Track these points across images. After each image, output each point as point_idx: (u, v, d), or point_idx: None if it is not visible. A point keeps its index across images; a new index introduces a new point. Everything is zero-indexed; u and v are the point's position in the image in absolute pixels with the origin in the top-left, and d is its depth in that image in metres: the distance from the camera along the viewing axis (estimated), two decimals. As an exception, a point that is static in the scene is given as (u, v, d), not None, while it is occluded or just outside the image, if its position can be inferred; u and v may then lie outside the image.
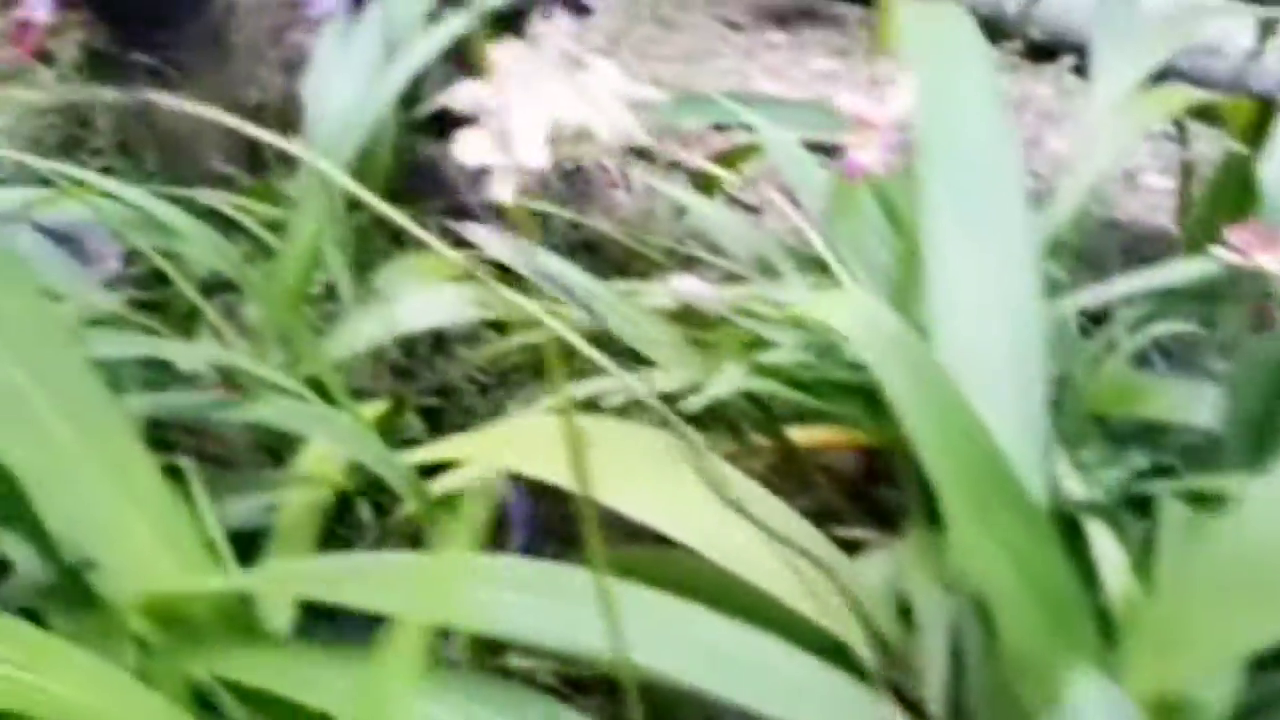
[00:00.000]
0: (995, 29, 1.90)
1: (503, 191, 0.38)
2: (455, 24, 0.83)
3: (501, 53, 0.40)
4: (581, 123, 0.39)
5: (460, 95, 0.39)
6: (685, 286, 0.72)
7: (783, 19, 1.94)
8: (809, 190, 0.74)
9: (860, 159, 0.46)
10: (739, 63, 1.78)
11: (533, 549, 0.67)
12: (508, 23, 1.12)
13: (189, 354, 0.61)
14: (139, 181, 1.30)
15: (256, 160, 1.39)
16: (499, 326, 0.74)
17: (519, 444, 0.55)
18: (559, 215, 0.87)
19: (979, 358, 0.45)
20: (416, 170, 0.98)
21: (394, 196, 1.05)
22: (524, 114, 0.38)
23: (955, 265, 0.46)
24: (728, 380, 0.57)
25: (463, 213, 0.93)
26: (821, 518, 0.60)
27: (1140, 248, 1.11)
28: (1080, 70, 1.83)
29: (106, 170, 1.29)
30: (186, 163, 1.32)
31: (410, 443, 0.72)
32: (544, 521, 0.71)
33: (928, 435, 0.41)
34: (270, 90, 1.55)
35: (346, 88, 0.80)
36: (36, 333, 0.45)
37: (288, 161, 1.37)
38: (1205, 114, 1.08)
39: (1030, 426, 0.44)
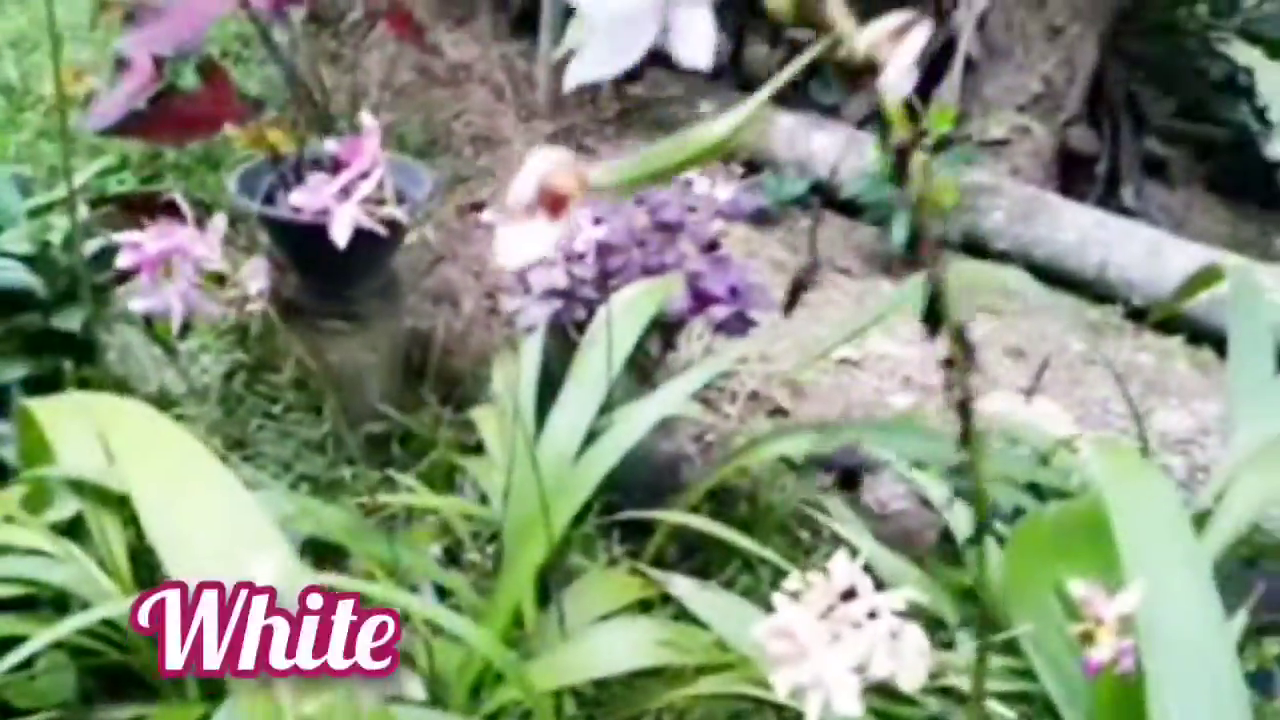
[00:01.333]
0: (1097, 293, 1.99)
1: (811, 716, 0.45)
2: (667, 398, 0.93)
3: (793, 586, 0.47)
4: (886, 675, 0.46)
5: (771, 628, 0.47)
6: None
7: (889, 267, 2.05)
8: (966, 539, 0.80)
9: (1097, 659, 0.52)
10: (853, 312, 1.89)
11: None
12: (666, 330, 1.23)
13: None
14: (312, 420, 1.42)
15: (414, 396, 1.51)
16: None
17: None
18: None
19: None
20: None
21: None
22: (833, 662, 0.45)
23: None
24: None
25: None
26: None
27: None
28: (1191, 339, 1.90)
29: (288, 409, 1.42)
30: (353, 398, 1.44)
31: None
32: None
33: None
34: (422, 319, 1.69)
35: (566, 432, 0.88)
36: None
37: (445, 399, 1.48)
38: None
39: None
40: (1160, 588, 0.56)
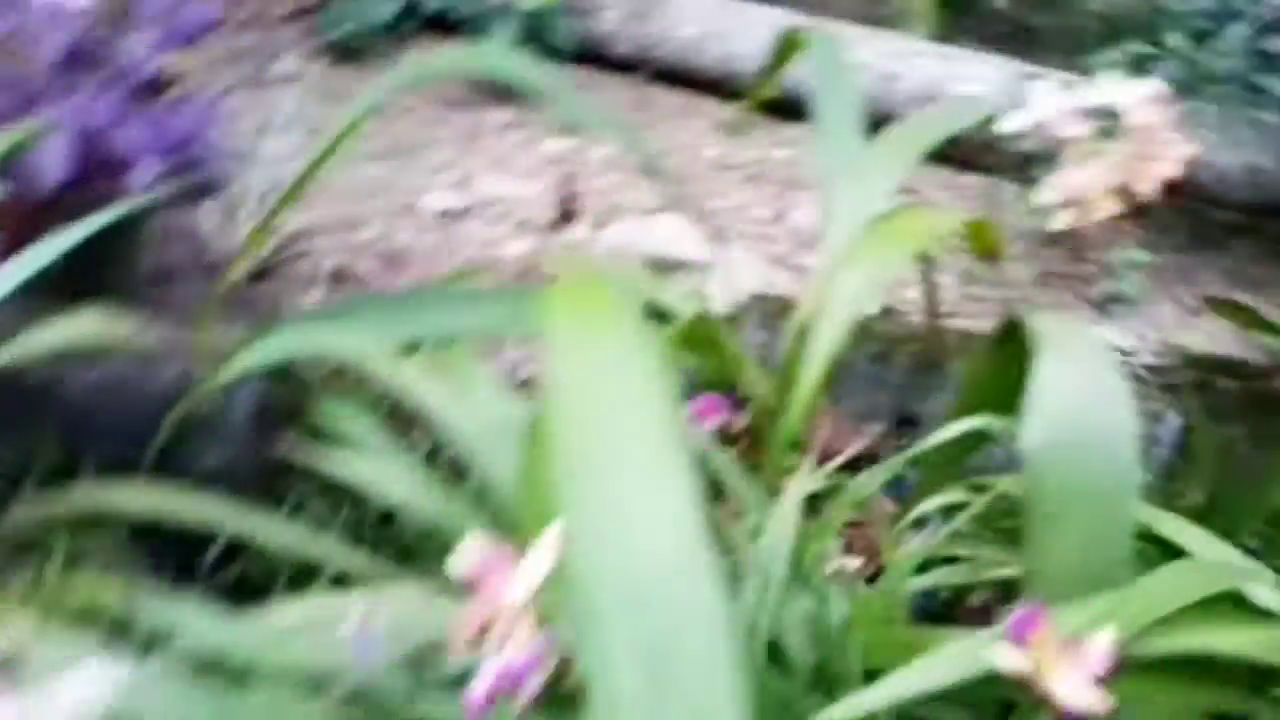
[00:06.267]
0: (729, 90, 1.82)
1: None
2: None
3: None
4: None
5: None
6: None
7: (507, 93, 1.77)
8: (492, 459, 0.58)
9: (480, 695, 0.30)
10: (459, 153, 1.61)
11: None
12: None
13: None
14: None
15: None
16: None
17: None
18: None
19: None
20: None
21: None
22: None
23: None
24: None
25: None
26: None
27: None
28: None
29: None
30: None
31: None
32: None
33: None
34: None
35: None
36: None
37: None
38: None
39: None
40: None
